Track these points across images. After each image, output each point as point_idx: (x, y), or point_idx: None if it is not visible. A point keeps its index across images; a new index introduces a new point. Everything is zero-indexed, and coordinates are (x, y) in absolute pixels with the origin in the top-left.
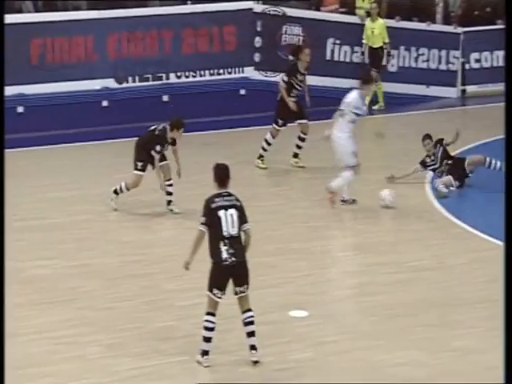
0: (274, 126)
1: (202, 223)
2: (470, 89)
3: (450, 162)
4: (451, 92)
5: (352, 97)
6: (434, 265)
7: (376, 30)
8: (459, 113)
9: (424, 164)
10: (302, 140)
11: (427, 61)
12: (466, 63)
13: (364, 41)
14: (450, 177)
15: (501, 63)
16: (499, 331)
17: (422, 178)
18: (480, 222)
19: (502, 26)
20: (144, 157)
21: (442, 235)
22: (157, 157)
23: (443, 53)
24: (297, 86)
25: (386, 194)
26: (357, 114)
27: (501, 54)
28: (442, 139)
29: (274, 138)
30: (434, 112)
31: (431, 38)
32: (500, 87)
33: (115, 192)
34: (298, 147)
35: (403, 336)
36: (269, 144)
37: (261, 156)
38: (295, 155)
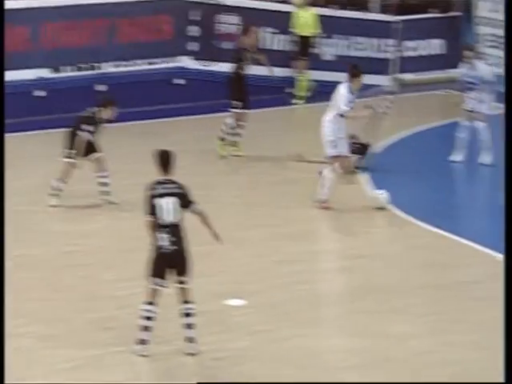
0: (234, 110)
1: (147, 213)
2: (406, 77)
3: (357, 145)
4: (388, 80)
5: (341, 93)
6: (370, 252)
7: (306, 19)
8: (395, 101)
9: None
10: (239, 128)
11: (363, 49)
12: (401, 51)
13: (293, 29)
14: (356, 156)
15: (436, 51)
16: (435, 316)
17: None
18: (416, 209)
19: (436, 15)
20: (72, 143)
21: (378, 222)
22: (82, 135)
23: (379, 41)
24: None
25: (382, 195)
26: (347, 109)
27: (436, 42)
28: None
29: (242, 121)
30: (369, 100)
31: (367, 27)
32: (435, 75)
33: (53, 195)
34: (233, 135)
35: (340, 323)
36: (235, 128)
37: (232, 143)
38: (231, 143)
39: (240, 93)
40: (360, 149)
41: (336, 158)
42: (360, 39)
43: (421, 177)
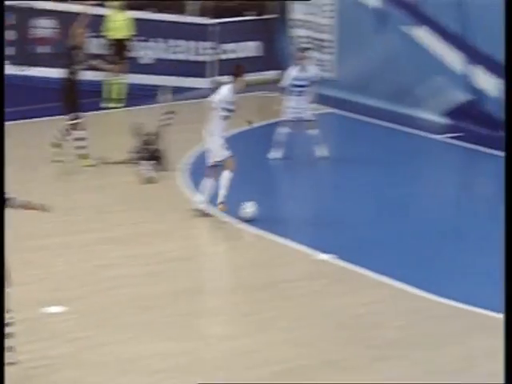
0: (70, 118)
1: None
2: (223, 79)
3: (150, 147)
4: (206, 82)
5: (222, 93)
6: (188, 254)
7: (120, 22)
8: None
9: (138, 156)
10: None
11: (181, 52)
12: (219, 54)
13: (107, 32)
14: (151, 162)
15: (253, 53)
16: (255, 316)
17: (174, 169)
18: (233, 209)
19: (252, 18)
20: None
21: (195, 225)
22: None
23: (197, 44)
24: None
25: (250, 206)
26: (229, 110)
27: (253, 44)
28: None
29: (81, 130)
30: (188, 103)
31: (184, 30)
32: (252, 77)
33: None
34: (78, 147)
35: (158, 326)
36: (82, 139)
37: (82, 155)
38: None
39: (73, 99)
40: (153, 155)
41: (230, 158)
42: (178, 42)
43: (241, 177)
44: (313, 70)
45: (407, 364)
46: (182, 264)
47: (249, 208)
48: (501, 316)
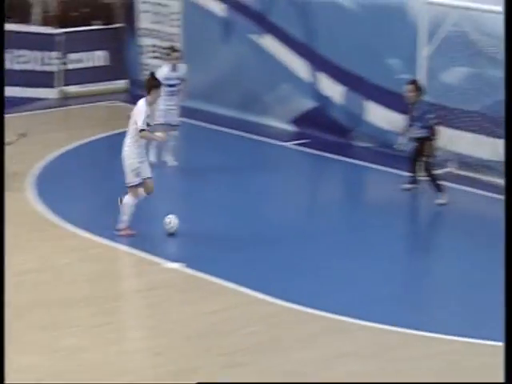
0: None
1: None
2: (70, 89)
3: None
4: (51, 93)
5: (139, 108)
6: (37, 266)
7: None
8: (60, 113)
9: None
10: None
11: (27, 62)
12: (65, 64)
13: None
14: None
15: (101, 63)
16: (107, 327)
17: (22, 181)
18: (85, 220)
19: (99, 27)
20: None
21: (43, 237)
22: None
23: (42, 54)
24: None
25: (173, 219)
26: (148, 124)
27: (100, 54)
28: None
29: None
30: (34, 114)
31: (29, 40)
32: (100, 87)
33: None
34: None
35: (9, 340)
36: None
37: None
38: None
39: None
40: None
41: (139, 185)
42: (22, 52)
43: (91, 187)
44: (183, 69)
45: (258, 369)
46: (32, 276)
47: (172, 221)
48: (348, 319)
